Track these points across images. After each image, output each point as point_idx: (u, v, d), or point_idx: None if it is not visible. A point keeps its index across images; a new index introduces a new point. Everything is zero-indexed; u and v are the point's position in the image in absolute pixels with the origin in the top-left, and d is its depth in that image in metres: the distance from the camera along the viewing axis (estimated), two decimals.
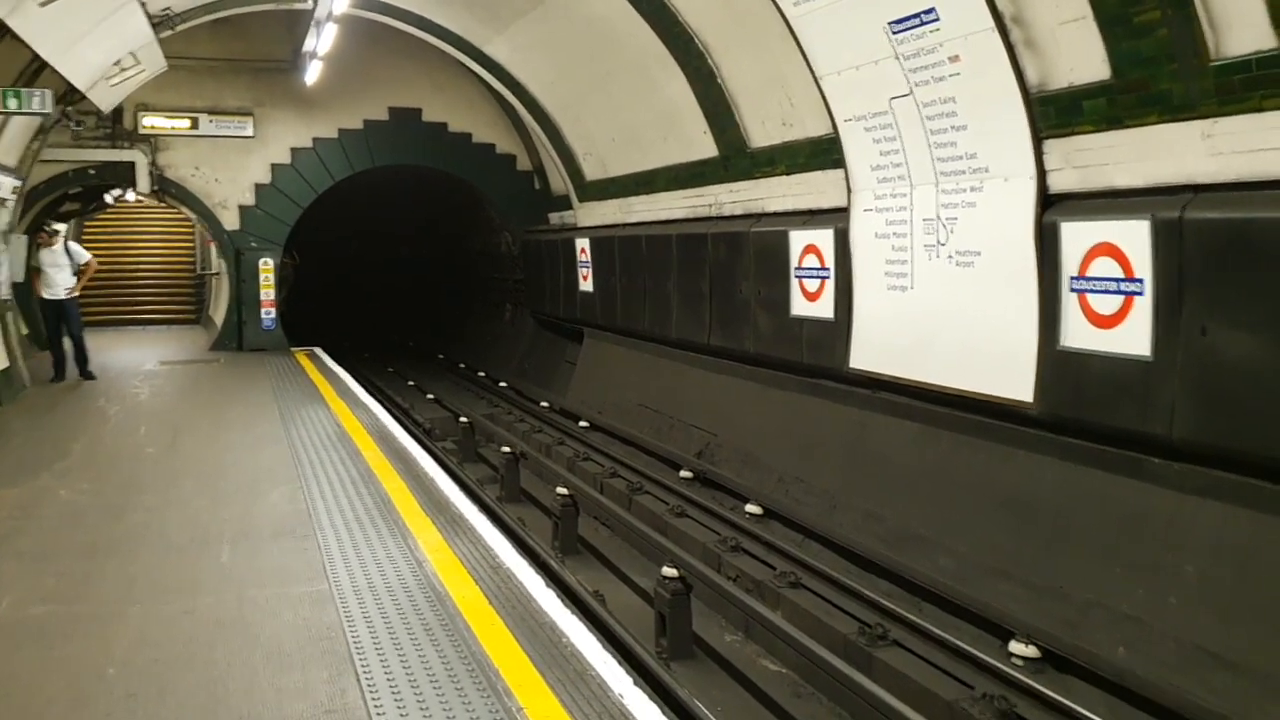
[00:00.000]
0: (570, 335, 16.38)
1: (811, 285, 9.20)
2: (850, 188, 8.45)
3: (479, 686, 4.00)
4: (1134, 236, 5.87)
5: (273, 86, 17.60)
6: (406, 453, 8.65)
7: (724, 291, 10.81)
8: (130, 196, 21.37)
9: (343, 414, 10.63)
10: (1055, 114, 6.40)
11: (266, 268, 17.56)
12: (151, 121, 16.93)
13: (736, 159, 10.66)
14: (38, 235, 13.36)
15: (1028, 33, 6.38)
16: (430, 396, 16.78)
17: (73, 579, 5.40)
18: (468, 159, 18.38)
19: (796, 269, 9.40)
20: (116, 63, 12.20)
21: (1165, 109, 5.66)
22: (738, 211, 10.80)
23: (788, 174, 9.73)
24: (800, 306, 9.39)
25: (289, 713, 3.81)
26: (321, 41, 14.03)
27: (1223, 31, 5.25)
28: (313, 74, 15.82)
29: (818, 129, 9.02)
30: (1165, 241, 5.67)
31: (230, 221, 17.64)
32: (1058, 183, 6.51)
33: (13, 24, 8.53)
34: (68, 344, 13.48)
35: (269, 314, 17.55)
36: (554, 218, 17.52)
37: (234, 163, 17.58)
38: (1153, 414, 5.80)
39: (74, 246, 13.83)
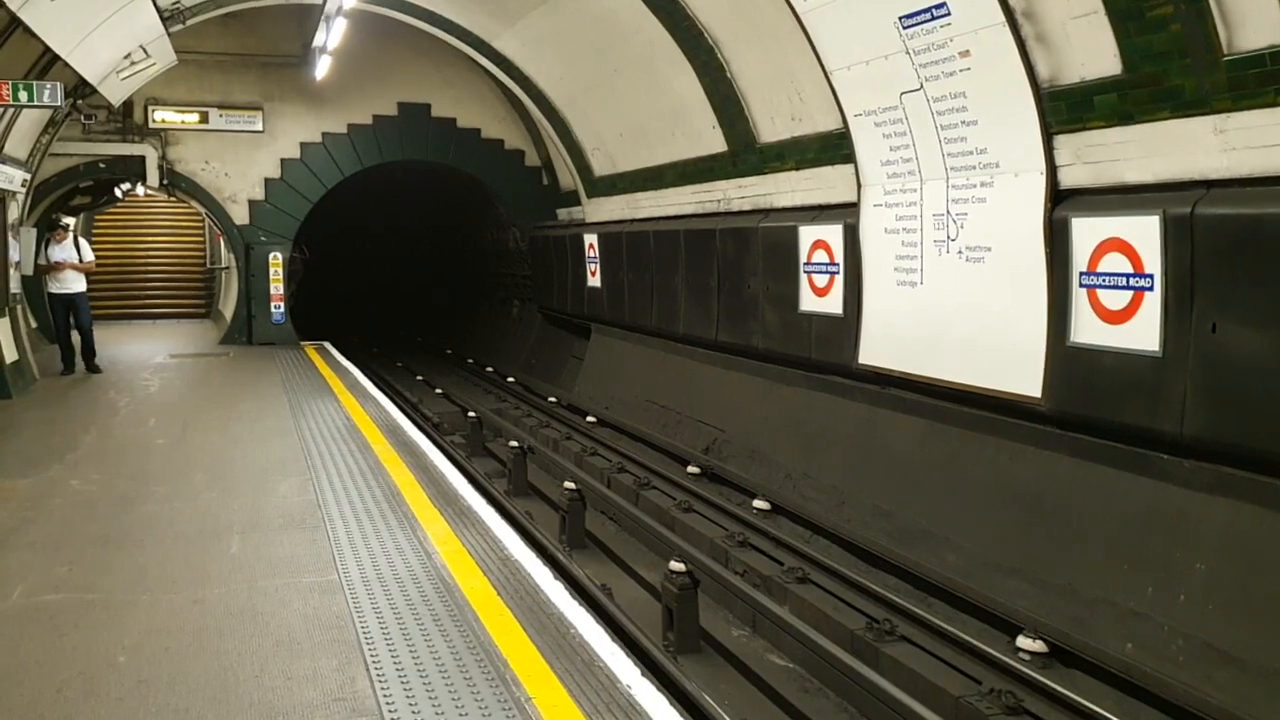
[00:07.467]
0: (578, 331, 16.39)
1: (820, 281, 9.19)
2: (860, 183, 8.45)
3: (487, 676, 4.01)
4: (1144, 232, 5.86)
5: (282, 81, 17.63)
6: (415, 446, 8.67)
7: (732, 287, 10.81)
8: (140, 191, 21.43)
9: (352, 407, 10.65)
10: (1066, 109, 6.38)
11: (276, 262, 17.60)
12: (161, 116, 16.98)
13: (745, 154, 10.65)
14: (54, 233, 13.39)
15: (1038, 27, 6.37)
16: (438, 391, 16.82)
17: (84, 568, 5.42)
18: (476, 154, 18.39)
19: (805, 264, 9.39)
20: (127, 56, 12.22)
21: (1177, 104, 5.65)
22: (746, 207, 10.80)
23: (797, 169, 9.72)
24: (809, 302, 9.39)
25: (299, 700, 3.83)
26: (331, 36, 14.05)
27: (1235, 26, 5.24)
28: (322, 69, 15.85)
29: (827, 124, 9.01)
30: (1175, 237, 5.66)
31: (240, 216, 17.69)
32: (1068, 178, 6.50)
33: (25, 17, 8.57)
34: (76, 338, 13.54)
35: (278, 308, 17.59)
36: (562, 213, 17.52)
37: (243, 157, 17.62)
38: (1162, 410, 5.79)
39: (83, 242, 13.89)
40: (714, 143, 11.20)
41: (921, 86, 7.38)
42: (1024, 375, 6.79)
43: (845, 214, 8.77)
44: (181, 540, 5.95)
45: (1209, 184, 5.57)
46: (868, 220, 8.42)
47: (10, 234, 12.48)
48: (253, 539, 5.94)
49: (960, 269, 7.42)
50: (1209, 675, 5.24)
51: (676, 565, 6.62)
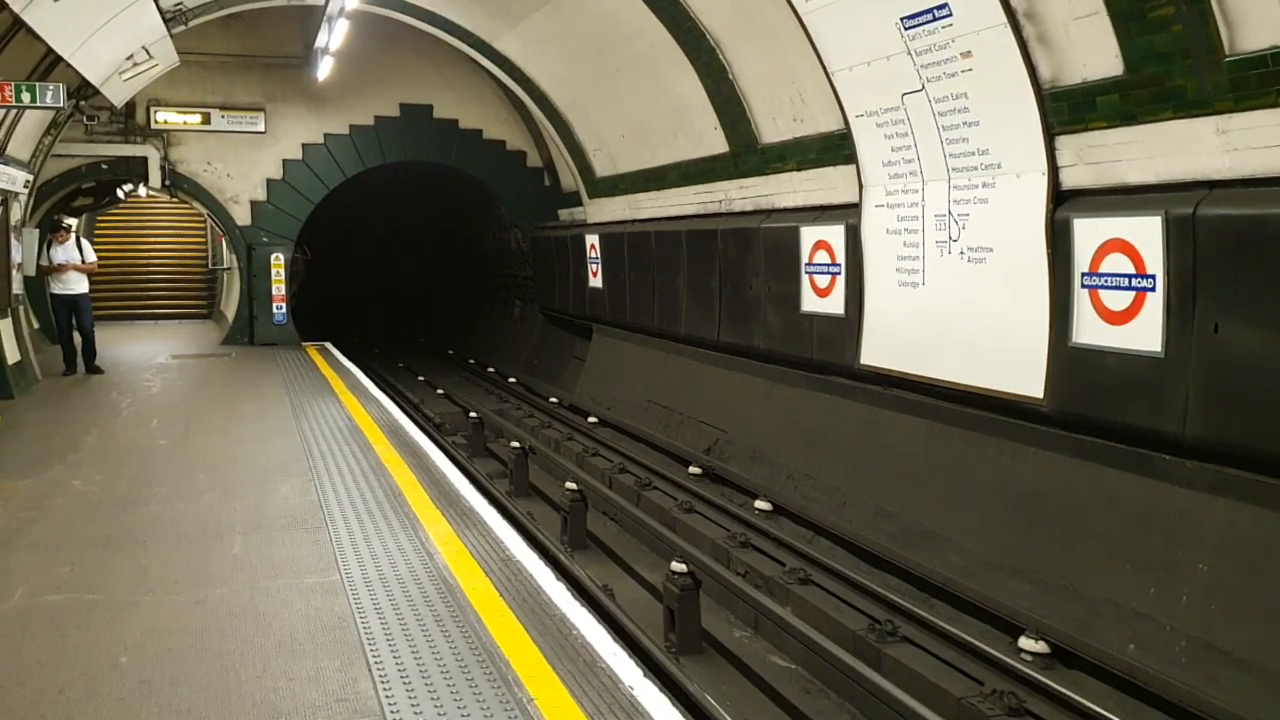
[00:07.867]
0: (579, 331, 16.39)
1: (822, 281, 9.19)
2: (862, 183, 8.45)
3: (489, 677, 4.01)
4: (1146, 233, 5.86)
5: (284, 82, 17.64)
6: (417, 446, 8.67)
7: (734, 288, 10.81)
8: (142, 192, 21.45)
9: (354, 408, 10.66)
10: (1068, 110, 6.38)
11: (278, 263, 17.61)
12: (164, 116, 16.99)
13: (747, 155, 10.65)
14: (57, 234, 13.40)
15: (1040, 28, 6.36)
16: (440, 392, 16.83)
17: (86, 569, 5.42)
18: (478, 155, 18.40)
19: (807, 265, 9.39)
20: (129, 57, 12.24)
21: (1179, 105, 5.64)
22: (748, 208, 10.80)
23: (799, 170, 9.72)
24: (811, 303, 9.38)
25: (301, 701, 3.83)
26: (333, 37, 14.06)
27: (1237, 26, 5.23)
28: (324, 70, 15.85)
29: (829, 124, 9.01)
30: (1178, 238, 5.66)
31: (242, 217, 17.70)
32: (1070, 179, 6.50)
33: (28, 18, 8.57)
34: (77, 339, 13.55)
35: (280, 309, 17.60)
36: (564, 214, 17.53)
37: (245, 158, 17.63)
38: (1165, 411, 5.79)
39: (85, 243, 13.90)
40: (716, 143, 11.20)
41: (923, 87, 7.38)
42: (1026, 376, 6.78)
43: (847, 215, 8.76)
44: (184, 541, 5.96)
45: (1211, 184, 5.57)
46: (869, 221, 8.41)
47: (13, 235, 12.50)
48: (255, 540, 5.95)
49: (962, 270, 7.42)
50: (1212, 676, 5.23)
51: (678, 566, 6.62)
